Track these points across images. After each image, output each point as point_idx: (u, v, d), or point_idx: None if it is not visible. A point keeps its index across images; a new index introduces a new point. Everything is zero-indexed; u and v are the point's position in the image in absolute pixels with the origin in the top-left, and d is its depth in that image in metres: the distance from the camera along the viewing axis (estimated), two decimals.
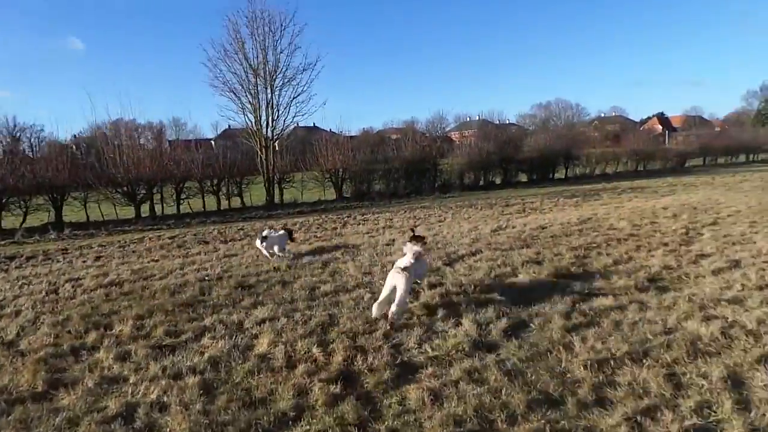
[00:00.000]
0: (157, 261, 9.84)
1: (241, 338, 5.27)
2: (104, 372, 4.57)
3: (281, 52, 21.49)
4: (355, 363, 4.51)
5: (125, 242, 12.59)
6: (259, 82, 21.49)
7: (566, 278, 7.00)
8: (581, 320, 5.34)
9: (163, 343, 5.24)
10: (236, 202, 20.81)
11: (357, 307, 6.08)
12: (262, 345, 5.02)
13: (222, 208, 20.05)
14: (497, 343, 4.88)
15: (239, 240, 12.16)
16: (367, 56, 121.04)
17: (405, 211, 16.69)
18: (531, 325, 5.29)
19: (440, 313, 5.69)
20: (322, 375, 4.30)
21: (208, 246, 11.41)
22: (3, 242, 13.85)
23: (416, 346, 4.85)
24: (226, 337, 5.27)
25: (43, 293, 7.50)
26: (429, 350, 4.73)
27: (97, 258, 10.55)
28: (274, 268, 8.33)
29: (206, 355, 4.84)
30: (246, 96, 21.62)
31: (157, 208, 18.87)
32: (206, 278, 7.95)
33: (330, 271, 7.97)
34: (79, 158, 27.71)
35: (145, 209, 18.46)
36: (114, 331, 5.66)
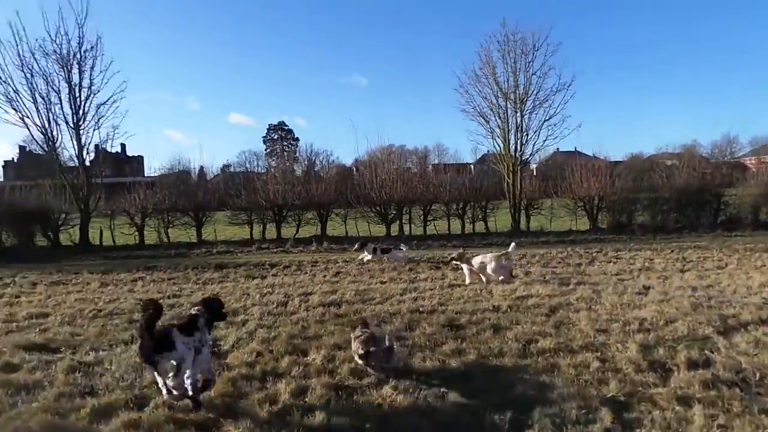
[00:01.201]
0: (384, 283, 9.73)
1: (425, 395, 4.35)
2: (273, 407, 4.18)
3: (533, 74, 20.46)
4: None
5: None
6: (509, 106, 20.78)
7: None
8: None
9: (346, 384, 4.67)
10: (481, 226, 20.26)
11: (576, 379, 4.55)
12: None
13: (466, 232, 19.76)
14: None
15: None
16: (633, 71, 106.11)
17: (672, 251, 13.52)
18: None
19: (697, 410, 3.79)
20: None
21: (438, 272, 10.92)
22: (275, 249, 16.06)
23: None
24: (409, 392, 4.41)
25: (275, 304, 7.93)
26: None
27: (336, 274, 11.05)
28: (493, 307, 7.23)
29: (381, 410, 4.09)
30: (495, 120, 21.17)
31: (405, 228, 19.61)
32: (419, 310, 7.34)
33: (556, 321, 6.47)
34: (351, 178, 31.35)
35: (394, 228, 19.37)
36: (307, 359, 5.38)
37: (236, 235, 19.91)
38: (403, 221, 19.75)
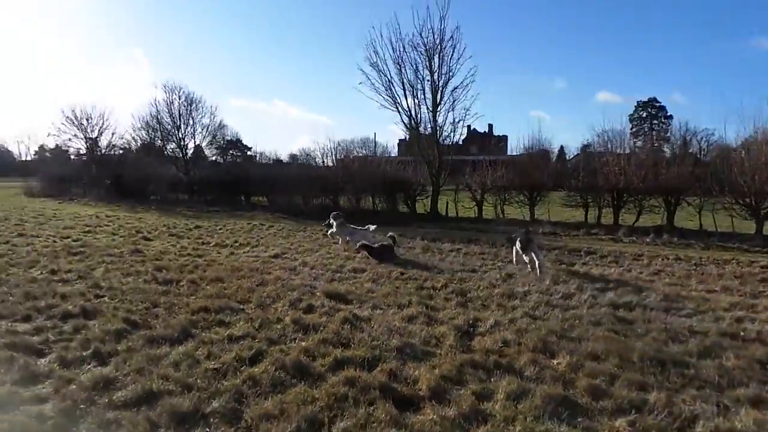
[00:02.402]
0: (716, 292, 7.67)
1: None
2: (461, 408, 3.86)
3: None
4: None
5: (714, 262, 10.54)
6: None
7: None
8: None
9: (574, 400, 3.93)
10: None
11: None
12: None
13: None
14: None
15: None
16: None
17: None
18: None
19: None
20: None
21: None
22: (604, 236, 14.66)
23: None
24: None
25: (559, 295, 7.29)
26: None
27: (656, 273, 9.31)
28: None
29: None
30: None
31: None
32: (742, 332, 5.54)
33: None
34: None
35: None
36: (552, 361, 4.75)
37: (573, 217, 19.01)
38: None
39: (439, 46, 20.85)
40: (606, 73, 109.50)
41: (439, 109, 21.60)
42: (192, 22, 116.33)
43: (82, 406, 3.77)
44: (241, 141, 55.97)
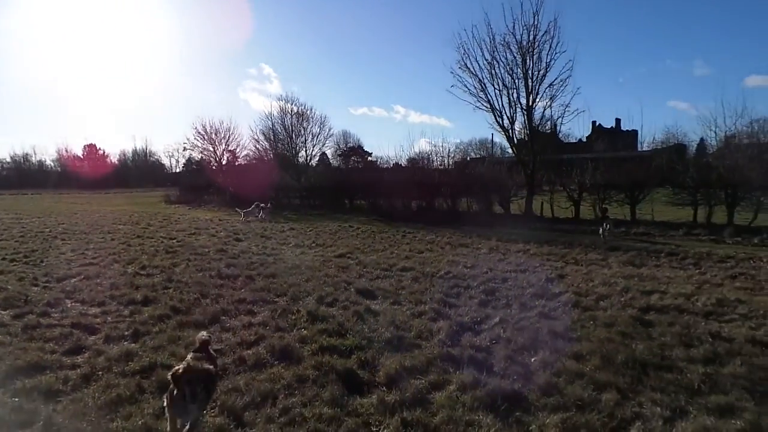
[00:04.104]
0: None
1: None
2: None
3: None
4: None
5: None
6: None
7: None
8: None
9: (569, 402, 3.92)
10: None
11: None
12: None
13: None
14: None
15: None
16: None
17: None
18: None
19: None
20: None
21: None
22: (704, 237, 13.25)
23: None
24: None
25: (593, 297, 6.95)
26: None
27: (732, 277, 8.36)
28: None
29: None
30: None
31: None
32: None
33: None
34: None
35: None
36: (529, 360, 4.69)
37: (681, 217, 17.25)
38: None
39: (532, 43, 20.27)
40: (756, 55, 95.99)
41: (534, 106, 21.00)
42: (313, 38, 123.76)
43: (99, 372, 4.61)
44: (362, 147, 58.81)
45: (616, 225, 14.63)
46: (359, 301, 6.95)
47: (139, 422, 3.64)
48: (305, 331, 5.63)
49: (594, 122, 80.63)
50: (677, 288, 7.40)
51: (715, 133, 19.32)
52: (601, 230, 13.50)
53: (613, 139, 73.45)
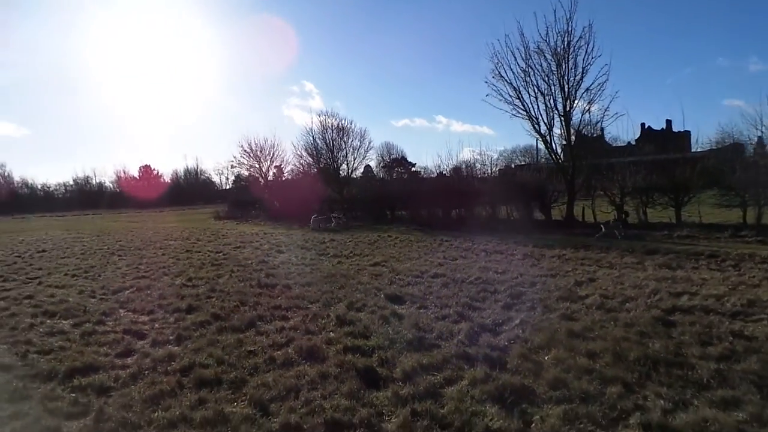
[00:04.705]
0: None
1: None
2: None
3: None
4: None
5: None
6: None
7: None
8: None
9: (573, 395, 4.09)
10: None
11: None
12: None
13: None
14: None
15: None
16: None
17: None
18: None
19: None
20: None
21: None
22: (751, 239, 12.78)
23: None
24: None
25: (619, 299, 6.97)
26: None
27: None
28: None
29: None
30: None
31: None
32: None
33: None
34: None
35: None
36: (543, 358, 4.84)
37: (730, 219, 16.63)
38: None
39: (567, 49, 20.13)
40: None
41: (571, 112, 20.78)
42: (354, 59, 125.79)
43: (146, 371, 5.09)
44: (405, 158, 59.29)
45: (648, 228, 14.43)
46: (387, 305, 7.25)
47: (177, 413, 4.05)
48: (332, 334, 5.98)
49: (643, 125, 77.77)
50: (709, 289, 7.32)
51: (761, 131, 18.57)
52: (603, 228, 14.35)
53: (663, 141, 70.82)
